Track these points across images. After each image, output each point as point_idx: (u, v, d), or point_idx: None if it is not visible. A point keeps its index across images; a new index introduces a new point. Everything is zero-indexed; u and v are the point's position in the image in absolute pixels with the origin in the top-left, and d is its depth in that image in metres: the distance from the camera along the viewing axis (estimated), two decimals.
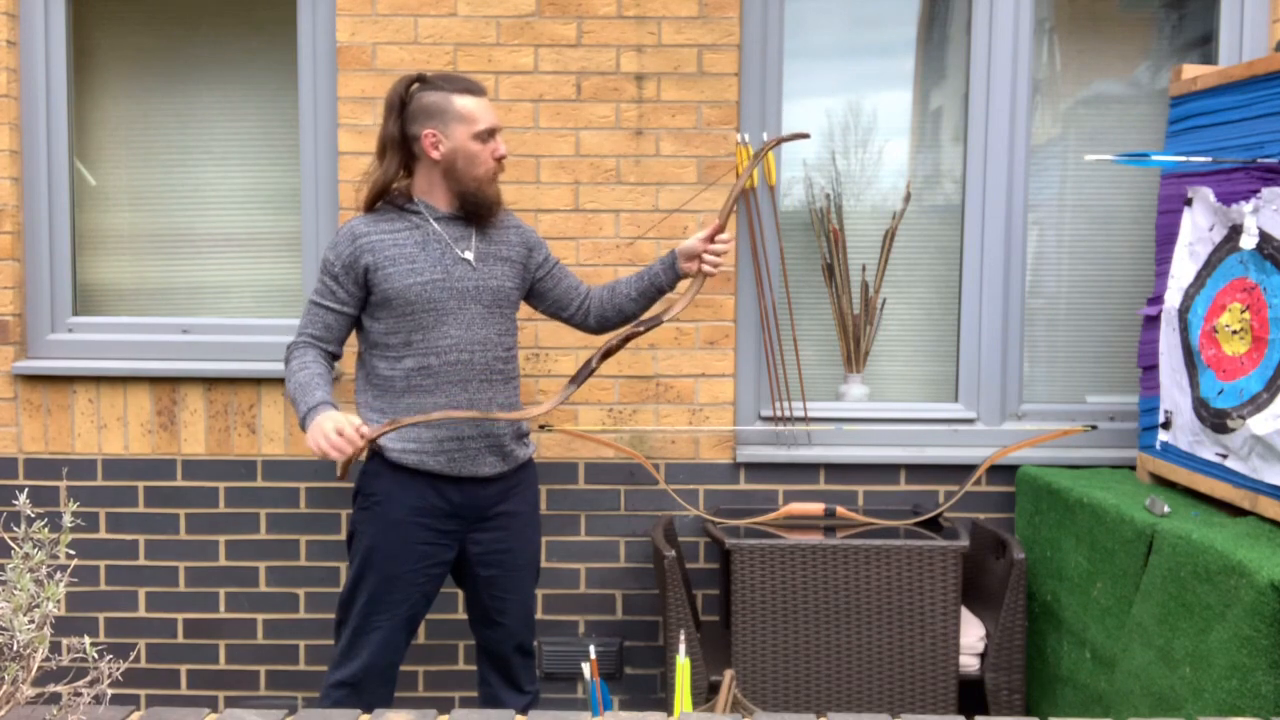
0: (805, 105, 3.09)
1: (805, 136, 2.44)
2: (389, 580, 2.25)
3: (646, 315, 2.43)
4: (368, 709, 2.16)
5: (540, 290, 2.45)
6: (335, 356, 2.30)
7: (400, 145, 2.25)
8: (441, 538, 2.29)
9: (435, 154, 2.23)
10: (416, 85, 2.26)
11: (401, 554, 2.25)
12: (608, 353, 2.26)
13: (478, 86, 2.26)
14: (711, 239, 2.36)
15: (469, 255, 2.28)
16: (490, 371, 2.28)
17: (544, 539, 2.90)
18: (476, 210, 2.28)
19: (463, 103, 2.22)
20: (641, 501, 2.97)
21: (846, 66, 3.12)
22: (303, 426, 2.13)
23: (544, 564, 2.87)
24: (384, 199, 2.29)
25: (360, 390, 2.31)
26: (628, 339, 2.28)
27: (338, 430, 2.05)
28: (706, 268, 2.35)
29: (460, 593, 2.48)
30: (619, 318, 2.46)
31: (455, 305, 2.25)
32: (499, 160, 2.28)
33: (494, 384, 2.29)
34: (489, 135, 2.25)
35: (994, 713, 2.64)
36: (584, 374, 2.28)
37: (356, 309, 2.27)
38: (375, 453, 2.29)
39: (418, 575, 2.27)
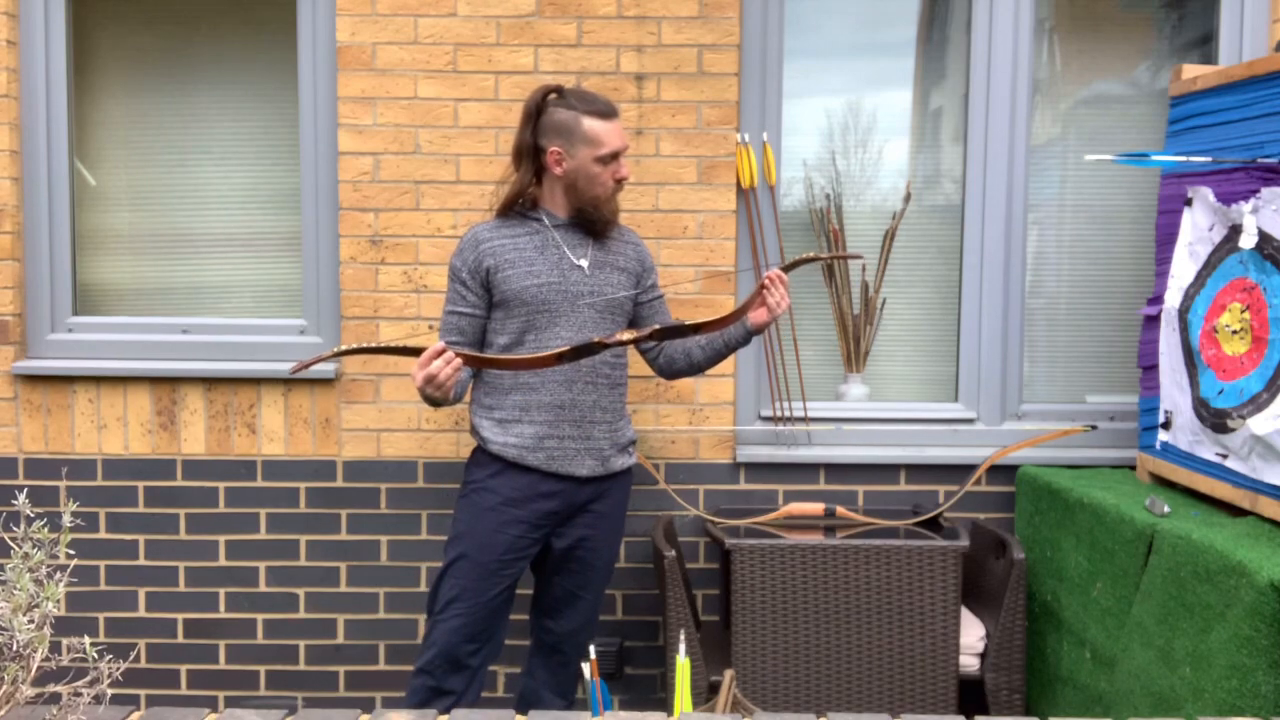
0: (805, 105, 3.09)
1: (859, 257, 2.80)
2: (477, 566, 2.31)
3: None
4: (447, 698, 2.30)
5: (636, 314, 2.49)
6: None
7: (532, 154, 2.32)
8: (532, 530, 2.35)
9: (558, 170, 2.31)
10: (553, 97, 2.32)
11: (492, 541, 2.32)
12: (628, 341, 2.18)
13: (609, 109, 2.31)
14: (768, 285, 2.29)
15: (583, 262, 2.35)
16: (596, 375, 2.35)
17: None
18: (592, 224, 2.35)
19: (591, 125, 2.28)
20: (641, 501, 2.97)
21: (846, 66, 3.12)
22: (457, 399, 2.25)
23: None
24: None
25: (472, 388, 2.40)
26: (654, 336, 2.19)
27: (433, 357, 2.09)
28: (771, 303, 2.29)
29: None
30: (686, 363, 2.48)
31: (568, 308, 2.32)
32: (619, 181, 2.34)
33: (599, 387, 2.35)
34: (612, 158, 2.31)
35: (994, 713, 2.64)
36: (587, 349, 2.16)
37: (486, 311, 2.34)
38: (479, 445, 2.38)
39: (506, 566, 2.33)
